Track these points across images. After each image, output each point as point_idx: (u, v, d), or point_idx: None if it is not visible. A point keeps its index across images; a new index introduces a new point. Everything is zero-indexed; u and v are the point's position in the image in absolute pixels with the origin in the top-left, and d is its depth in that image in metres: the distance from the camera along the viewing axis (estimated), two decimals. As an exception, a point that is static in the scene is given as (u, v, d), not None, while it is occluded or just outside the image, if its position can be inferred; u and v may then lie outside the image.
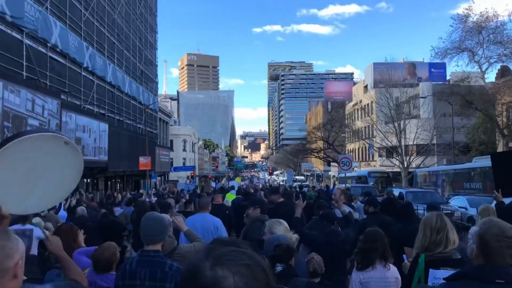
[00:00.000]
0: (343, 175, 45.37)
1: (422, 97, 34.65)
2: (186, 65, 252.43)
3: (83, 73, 24.32)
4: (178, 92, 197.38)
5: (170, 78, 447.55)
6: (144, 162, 31.03)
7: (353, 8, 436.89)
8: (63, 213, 8.85)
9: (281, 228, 3.74)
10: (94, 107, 25.98)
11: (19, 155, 2.39)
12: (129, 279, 2.97)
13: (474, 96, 27.90)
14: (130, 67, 35.11)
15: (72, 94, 22.63)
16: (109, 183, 33.17)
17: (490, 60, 28.57)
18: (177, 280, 2.86)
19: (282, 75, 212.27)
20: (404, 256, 3.91)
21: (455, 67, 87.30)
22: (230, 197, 12.21)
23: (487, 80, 32.75)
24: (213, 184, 41.46)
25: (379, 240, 3.73)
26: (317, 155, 61.63)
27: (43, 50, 19.42)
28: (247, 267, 0.93)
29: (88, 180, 27.03)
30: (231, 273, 0.91)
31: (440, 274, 2.77)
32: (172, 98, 31.46)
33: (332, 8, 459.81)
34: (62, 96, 19.90)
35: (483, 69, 29.04)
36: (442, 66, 59.89)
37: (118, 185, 35.38)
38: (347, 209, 6.29)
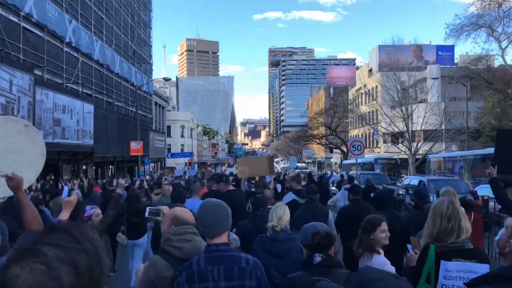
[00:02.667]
0: (350, 161, 43.61)
1: (434, 78, 32.62)
2: (185, 51, 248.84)
3: (66, 49, 22.11)
4: (177, 78, 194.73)
5: (170, 65, 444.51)
6: (135, 147, 28.97)
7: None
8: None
9: (283, 212, 3.77)
10: (80, 88, 23.84)
11: None
12: (199, 282, 2.46)
13: (493, 76, 25.74)
14: (121, 46, 32.85)
15: (51, 71, 20.49)
16: (99, 169, 31.19)
17: (511, 37, 26.27)
18: (257, 276, 2.53)
19: (283, 61, 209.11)
20: (409, 246, 3.59)
21: (473, 45, 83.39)
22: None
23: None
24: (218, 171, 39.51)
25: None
26: (319, 141, 59.73)
27: (15, 20, 17.22)
28: (48, 265, 0.82)
29: (75, 166, 25.02)
30: (25, 271, 0.81)
31: (452, 266, 2.62)
32: (165, 79, 29.07)
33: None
34: (37, 72, 17.77)
35: (503, 47, 26.76)
36: (450, 48, 57.64)
37: (110, 172, 33.41)
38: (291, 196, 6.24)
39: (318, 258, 2.68)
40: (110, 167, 33.65)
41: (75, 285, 0.83)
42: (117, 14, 31.63)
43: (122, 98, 32.39)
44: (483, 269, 2.59)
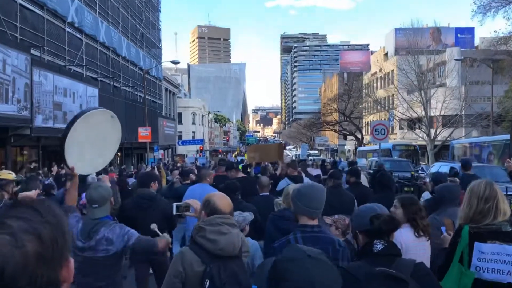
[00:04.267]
0: (365, 148, 42.25)
1: (457, 60, 30.83)
2: (197, 38, 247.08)
3: (68, 29, 21.03)
4: (188, 65, 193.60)
5: (182, 53, 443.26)
6: (143, 133, 27.95)
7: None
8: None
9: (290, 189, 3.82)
10: (84, 70, 22.83)
11: (82, 130, 3.45)
12: None
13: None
14: (129, 28, 31.70)
15: (53, 53, 19.45)
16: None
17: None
18: (348, 257, 2.74)
19: (295, 47, 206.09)
20: (443, 228, 3.50)
21: (505, 21, 79.33)
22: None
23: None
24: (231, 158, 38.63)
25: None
26: (332, 128, 58.22)
27: (11, -4, 16.17)
28: (12, 235, 0.86)
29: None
30: None
31: (487, 248, 2.55)
32: (173, 62, 27.94)
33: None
34: (35, 53, 16.74)
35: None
36: (470, 31, 55.39)
37: (118, 159, 32.58)
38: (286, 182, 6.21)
39: (379, 245, 2.31)
40: (118, 154, 32.82)
41: (40, 253, 0.87)
42: (124, -5, 30.44)
43: (129, 83, 31.34)
44: None
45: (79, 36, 22.54)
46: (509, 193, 9.23)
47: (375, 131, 12.46)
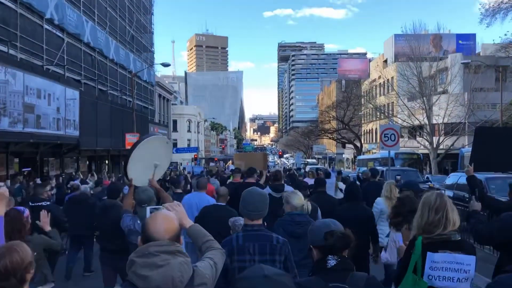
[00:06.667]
0: (365, 156, 40.60)
1: (464, 63, 29.57)
2: (194, 46, 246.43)
3: (46, 26, 19.43)
4: (186, 72, 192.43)
5: (179, 62, 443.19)
6: (131, 139, 26.20)
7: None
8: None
9: (296, 198, 4.16)
10: (66, 72, 21.19)
11: (144, 150, 4.46)
12: (237, 255, 3.00)
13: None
14: (118, 30, 30.16)
15: (28, 51, 17.83)
16: (93, 163, 28.63)
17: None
18: (285, 252, 3.05)
19: (293, 55, 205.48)
20: (400, 238, 3.82)
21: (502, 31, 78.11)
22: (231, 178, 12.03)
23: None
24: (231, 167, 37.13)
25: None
26: (330, 136, 56.74)
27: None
28: None
29: (60, 160, 22.41)
30: None
31: (438, 257, 2.68)
32: (163, 64, 26.37)
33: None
34: (2, 48, 15.11)
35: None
36: (472, 37, 54.18)
37: (106, 166, 30.86)
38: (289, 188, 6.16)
39: (332, 261, 2.34)
40: (106, 161, 31.09)
41: None
42: (112, -6, 28.94)
43: (118, 87, 29.70)
44: (469, 260, 2.65)
45: (59, 34, 20.93)
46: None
47: (384, 136, 10.87)
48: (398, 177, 12.69)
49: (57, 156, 21.78)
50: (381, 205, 6.00)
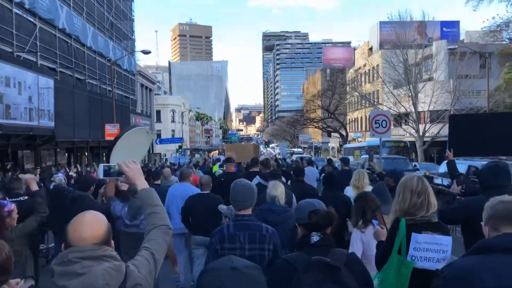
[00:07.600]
0: (351, 145, 40.26)
1: (450, 49, 29.34)
2: (178, 36, 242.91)
3: (16, 11, 18.33)
4: (169, 62, 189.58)
5: (163, 51, 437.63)
6: (111, 130, 25.24)
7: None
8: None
9: (272, 190, 4.35)
10: (39, 59, 20.13)
11: (126, 141, 4.10)
12: (228, 243, 3.13)
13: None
14: (95, 16, 28.97)
15: (-5, 36, 16.77)
16: (72, 155, 27.60)
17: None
18: (274, 241, 3.20)
19: (277, 45, 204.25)
20: (375, 221, 3.86)
21: (505, 8, 78.26)
22: (216, 169, 12.39)
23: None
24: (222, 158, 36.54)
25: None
26: (316, 125, 56.37)
27: None
28: None
29: (35, 153, 21.40)
30: None
31: (421, 238, 2.74)
32: (144, 52, 25.37)
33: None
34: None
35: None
36: (456, 24, 54.16)
37: (86, 158, 29.86)
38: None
39: (315, 237, 2.51)
40: (85, 153, 30.08)
41: None
42: (89, -21, 27.71)
43: (96, 76, 28.61)
44: (447, 241, 2.74)
45: (31, 19, 19.83)
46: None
47: (375, 123, 10.33)
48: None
49: (31, 148, 20.77)
50: (349, 192, 6.20)
